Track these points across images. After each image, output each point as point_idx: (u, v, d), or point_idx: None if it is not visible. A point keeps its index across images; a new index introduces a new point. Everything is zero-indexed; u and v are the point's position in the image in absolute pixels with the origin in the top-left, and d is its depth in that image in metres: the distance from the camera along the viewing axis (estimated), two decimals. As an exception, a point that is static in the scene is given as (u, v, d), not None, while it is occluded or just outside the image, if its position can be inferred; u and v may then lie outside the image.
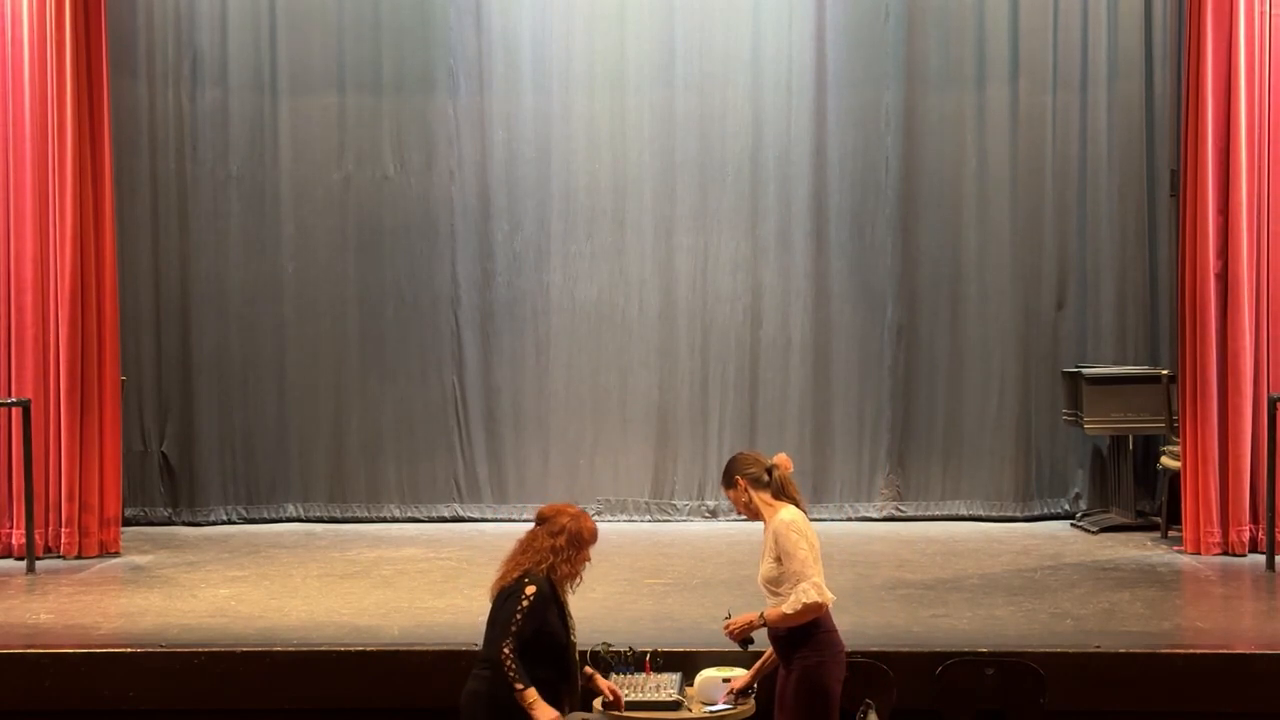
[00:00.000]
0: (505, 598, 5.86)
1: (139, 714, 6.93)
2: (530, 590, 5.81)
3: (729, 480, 6.05)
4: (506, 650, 5.75)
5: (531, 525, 6.09)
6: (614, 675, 6.35)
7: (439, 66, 11.37)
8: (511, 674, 5.73)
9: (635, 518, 11.29)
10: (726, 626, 6.05)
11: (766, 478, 5.99)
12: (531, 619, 5.79)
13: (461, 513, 11.31)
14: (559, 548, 5.91)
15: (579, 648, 6.12)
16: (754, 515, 6.02)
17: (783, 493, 5.98)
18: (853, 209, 11.33)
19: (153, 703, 6.92)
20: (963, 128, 11.28)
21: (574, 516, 6.02)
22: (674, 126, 11.35)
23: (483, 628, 5.79)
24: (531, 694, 5.73)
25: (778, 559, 5.87)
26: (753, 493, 5.99)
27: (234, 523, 11.22)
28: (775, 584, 5.88)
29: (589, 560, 6.01)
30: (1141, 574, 8.95)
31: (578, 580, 6.02)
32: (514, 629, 5.77)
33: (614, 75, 11.35)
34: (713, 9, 11.31)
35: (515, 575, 5.89)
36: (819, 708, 5.84)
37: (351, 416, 11.40)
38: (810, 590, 5.78)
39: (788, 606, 5.81)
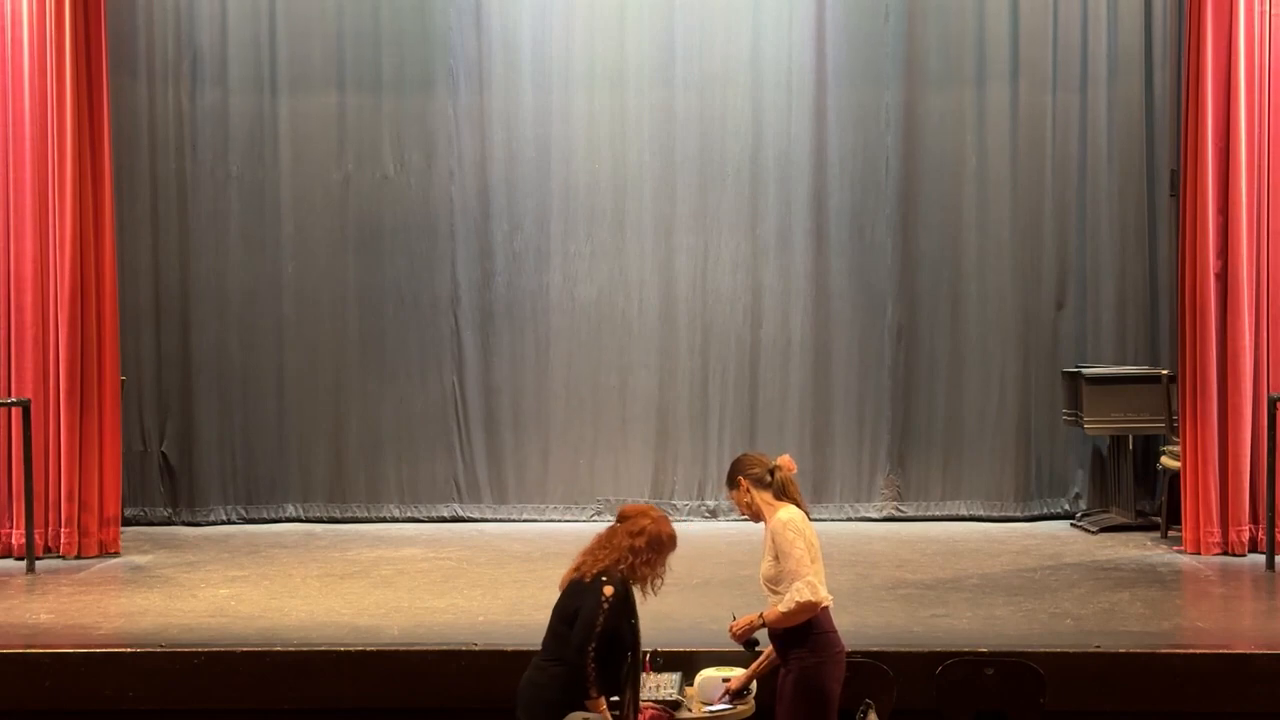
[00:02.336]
0: (581, 595, 5.78)
1: (139, 714, 6.93)
2: (609, 591, 5.74)
3: (732, 480, 6.07)
4: (590, 654, 5.69)
5: (610, 522, 6.05)
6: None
7: (439, 66, 11.37)
8: (590, 679, 5.68)
9: (635, 518, 11.28)
10: (730, 628, 6.06)
11: (769, 478, 6.00)
12: (610, 620, 5.72)
13: (461, 513, 11.31)
14: (638, 548, 5.85)
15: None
16: (755, 516, 6.04)
17: (784, 493, 5.99)
18: (853, 209, 11.34)
19: (153, 703, 6.92)
20: (963, 127, 11.28)
21: (655, 520, 5.95)
22: (674, 126, 11.35)
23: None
24: (603, 704, 5.69)
25: (776, 558, 5.88)
26: (754, 493, 6.00)
27: (234, 523, 11.22)
28: (774, 583, 5.90)
29: (663, 572, 5.94)
30: (1141, 574, 8.95)
31: (657, 584, 5.93)
32: (597, 630, 5.70)
33: (614, 75, 11.35)
34: (713, 9, 11.31)
35: (593, 572, 5.81)
36: (817, 708, 5.85)
37: (351, 416, 11.39)
38: (804, 589, 5.79)
39: (783, 605, 5.83)
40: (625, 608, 5.80)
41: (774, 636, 6.01)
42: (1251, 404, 9.45)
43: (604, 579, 5.77)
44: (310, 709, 6.94)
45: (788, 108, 11.33)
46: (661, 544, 5.91)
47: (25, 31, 9.58)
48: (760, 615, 5.94)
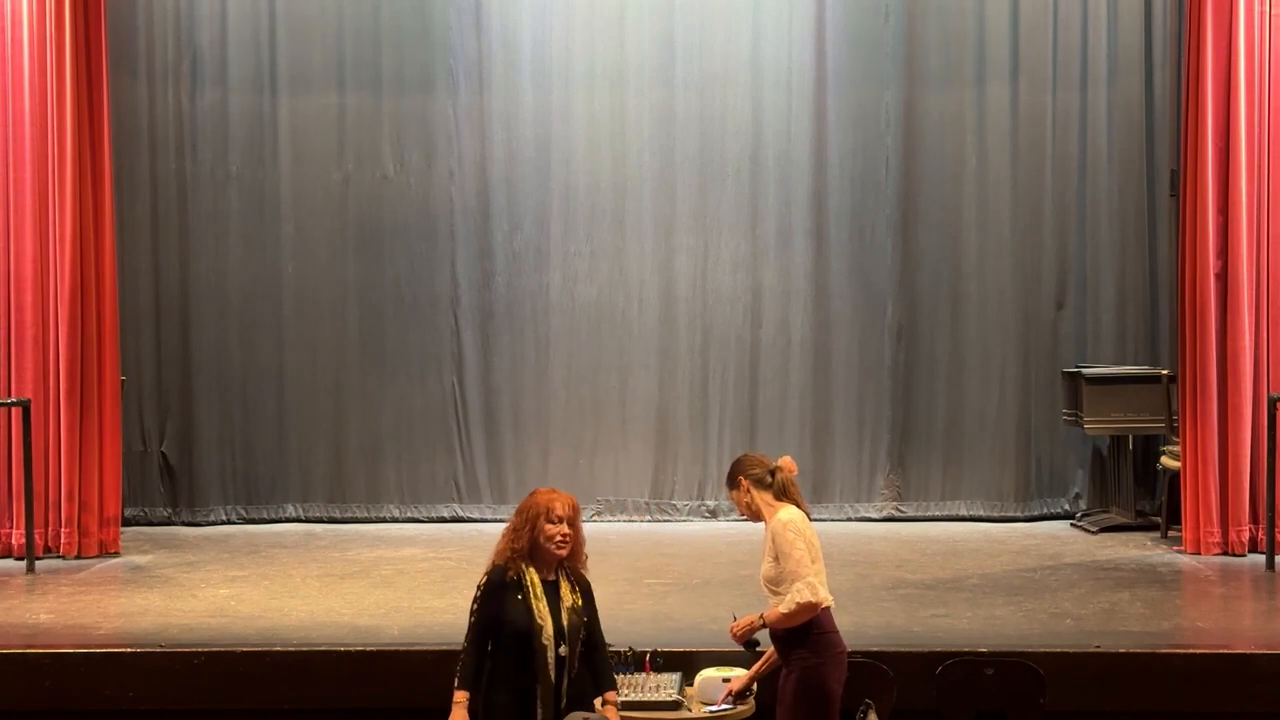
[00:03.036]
0: None
1: (139, 714, 6.93)
2: (481, 581, 5.78)
3: (732, 480, 6.07)
4: (464, 646, 5.75)
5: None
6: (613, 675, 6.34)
7: (439, 66, 11.37)
8: (456, 669, 5.71)
9: (635, 518, 11.29)
10: (731, 629, 6.06)
11: (769, 479, 6.00)
12: (482, 610, 5.73)
13: (461, 513, 11.31)
14: (507, 531, 5.86)
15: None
16: (755, 516, 6.04)
17: (785, 494, 5.99)
18: (853, 209, 11.34)
19: (153, 703, 6.92)
20: (963, 127, 11.28)
21: (531, 494, 5.91)
22: (674, 126, 11.35)
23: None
24: (458, 697, 5.66)
25: (776, 559, 5.88)
26: (755, 493, 6.00)
27: (234, 523, 11.22)
28: (775, 584, 5.90)
29: (546, 536, 5.72)
30: (1141, 574, 8.95)
31: (536, 553, 5.75)
32: (472, 620, 5.75)
33: (614, 75, 11.35)
34: (713, 9, 11.31)
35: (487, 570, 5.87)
36: (818, 708, 5.84)
37: (351, 416, 11.40)
38: (804, 590, 5.79)
39: (783, 606, 5.83)
40: (501, 592, 5.73)
41: (775, 637, 6.01)
42: (1251, 404, 9.45)
43: (486, 572, 5.82)
44: (310, 709, 6.94)
45: (788, 108, 11.33)
46: (523, 515, 5.82)
47: (25, 31, 9.58)
48: (760, 616, 5.94)
